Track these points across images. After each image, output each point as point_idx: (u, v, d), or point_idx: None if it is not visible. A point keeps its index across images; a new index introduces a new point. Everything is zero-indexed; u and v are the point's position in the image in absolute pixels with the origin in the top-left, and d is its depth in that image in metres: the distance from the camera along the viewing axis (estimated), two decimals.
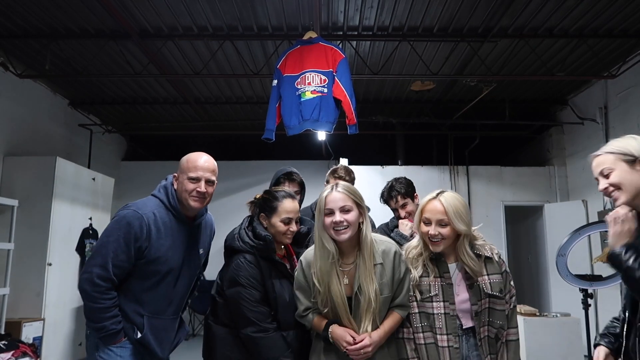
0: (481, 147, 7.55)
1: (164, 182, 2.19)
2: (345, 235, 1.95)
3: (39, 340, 4.80)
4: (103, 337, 1.99)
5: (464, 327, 2.01)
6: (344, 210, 1.96)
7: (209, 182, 2.14)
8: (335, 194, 1.98)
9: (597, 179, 1.78)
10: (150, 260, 2.04)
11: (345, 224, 1.94)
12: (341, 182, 2.07)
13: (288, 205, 2.17)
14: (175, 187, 2.17)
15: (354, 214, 1.96)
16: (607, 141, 6.33)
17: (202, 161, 2.14)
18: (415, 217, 2.10)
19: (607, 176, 1.72)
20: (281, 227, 2.15)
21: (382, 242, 2.06)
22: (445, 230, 1.97)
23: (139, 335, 2.02)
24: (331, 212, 1.96)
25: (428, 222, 2.01)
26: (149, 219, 2.04)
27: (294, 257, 2.36)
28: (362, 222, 2.00)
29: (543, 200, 7.01)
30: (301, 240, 2.36)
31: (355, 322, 1.95)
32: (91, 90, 6.40)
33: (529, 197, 7.13)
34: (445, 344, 1.95)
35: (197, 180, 2.11)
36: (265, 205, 2.20)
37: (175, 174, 2.20)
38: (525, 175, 7.15)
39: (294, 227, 2.20)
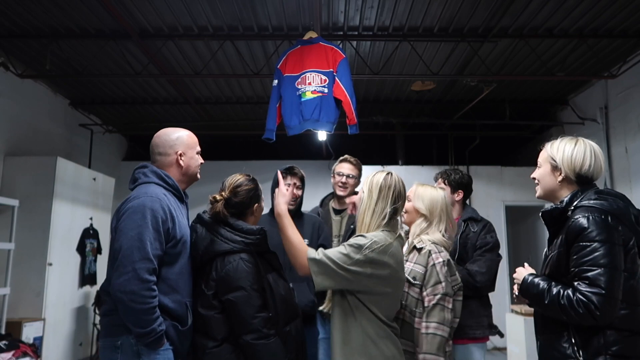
0: (481, 147, 7.55)
1: (147, 169, 2.09)
2: None
3: (39, 340, 4.80)
4: (151, 342, 1.82)
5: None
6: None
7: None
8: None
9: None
10: (177, 241, 1.96)
11: None
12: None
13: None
14: (182, 163, 2.12)
15: None
16: (607, 141, 6.29)
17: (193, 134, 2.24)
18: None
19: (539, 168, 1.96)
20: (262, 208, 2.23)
21: None
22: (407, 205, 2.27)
23: (188, 324, 1.92)
24: None
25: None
26: (163, 199, 1.97)
27: None
28: None
29: (544, 200, 7.01)
30: None
31: None
32: (91, 90, 6.40)
33: (529, 197, 7.11)
34: None
35: (199, 152, 2.20)
36: (254, 196, 2.15)
37: (180, 151, 2.12)
38: (526, 175, 7.08)
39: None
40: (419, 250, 2.14)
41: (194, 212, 2.29)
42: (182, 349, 1.94)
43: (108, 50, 5.10)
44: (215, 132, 7.85)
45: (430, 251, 2.12)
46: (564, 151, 1.84)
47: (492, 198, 7.16)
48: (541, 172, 1.94)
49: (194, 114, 7.29)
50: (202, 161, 2.21)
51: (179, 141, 2.15)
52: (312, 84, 3.93)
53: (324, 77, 3.94)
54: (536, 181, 1.97)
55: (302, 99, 3.91)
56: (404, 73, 5.81)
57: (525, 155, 8.09)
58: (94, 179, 6.08)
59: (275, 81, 4.10)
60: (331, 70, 3.96)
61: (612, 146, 5.75)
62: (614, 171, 5.69)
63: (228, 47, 5.11)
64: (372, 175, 2.00)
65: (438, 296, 2.04)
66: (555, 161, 1.86)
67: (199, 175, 2.20)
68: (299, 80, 3.98)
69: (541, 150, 1.96)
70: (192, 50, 5.25)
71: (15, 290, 4.67)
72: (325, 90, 3.90)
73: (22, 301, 4.85)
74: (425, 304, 2.04)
